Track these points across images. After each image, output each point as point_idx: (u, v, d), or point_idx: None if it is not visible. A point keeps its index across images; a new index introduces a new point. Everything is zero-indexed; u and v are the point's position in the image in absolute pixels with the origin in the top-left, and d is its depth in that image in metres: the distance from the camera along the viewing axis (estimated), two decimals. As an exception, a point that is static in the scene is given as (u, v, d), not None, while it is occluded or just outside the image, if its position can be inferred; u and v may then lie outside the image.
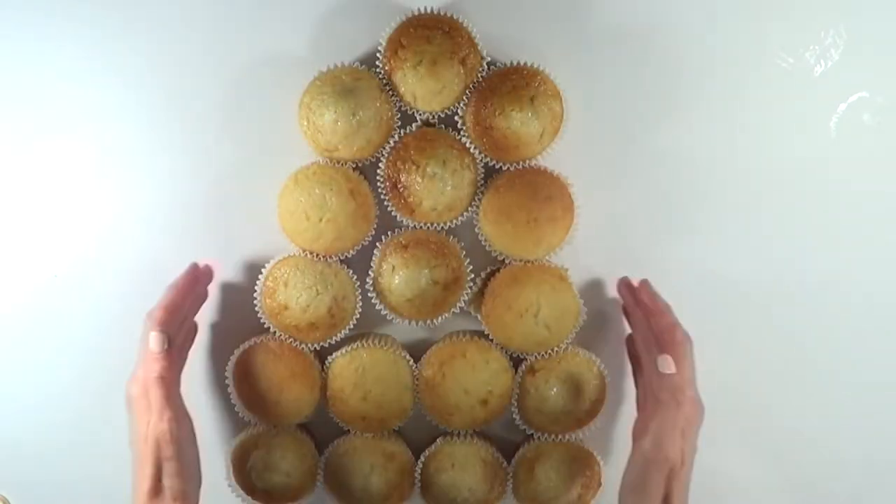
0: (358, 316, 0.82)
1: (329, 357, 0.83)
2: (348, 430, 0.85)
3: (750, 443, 0.87)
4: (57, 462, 0.83)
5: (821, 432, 0.90)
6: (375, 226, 0.80)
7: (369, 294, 0.81)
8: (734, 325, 0.87)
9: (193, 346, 0.84)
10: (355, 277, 0.81)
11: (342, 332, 0.81)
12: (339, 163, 0.78)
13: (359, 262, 0.81)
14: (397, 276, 0.79)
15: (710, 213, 0.84)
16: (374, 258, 0.81)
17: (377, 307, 0.82)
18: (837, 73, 0.81)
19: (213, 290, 0.85)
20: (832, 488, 0.92)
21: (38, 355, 0.87)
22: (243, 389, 0.82)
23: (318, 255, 0.80)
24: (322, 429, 0.87)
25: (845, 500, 0.92)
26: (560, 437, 0.85)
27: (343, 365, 0.82)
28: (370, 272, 0.81)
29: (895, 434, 0.90)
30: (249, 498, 0.84)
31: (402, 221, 0.80)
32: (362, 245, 0.80)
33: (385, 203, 0.79)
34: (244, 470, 0.83)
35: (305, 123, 0.76)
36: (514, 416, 0.84)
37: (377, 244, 0.81)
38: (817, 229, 0.85)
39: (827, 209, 0.85)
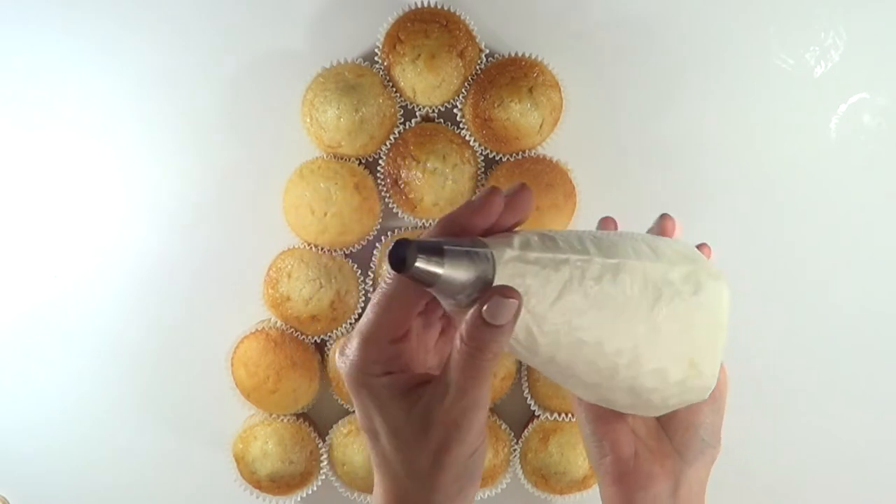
0: (360, 311, 0.79)
1: (329, 340, 0.81)
2: (352, 411, 0.82)
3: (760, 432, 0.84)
4: (56, 462, 0.82)
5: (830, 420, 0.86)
6: (380, 220, 0.79)
7: (370, 294, 0.79)
8: (730, 317, 0.84)
9: (191, 336, 0.83)
10: (359, 272, 0.79)
11: (343, 325, 0.79)
12: (343, 159, 0.77)
13: (363, 257, 0.79)
14: (397, 277, 0.77)
15: (709, 204, 0.82)
16: (374, 258, 0.79)
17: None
18: (837, 74, 0.79)
19: (215, 282, 0.83)
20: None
21: (37, 356, 0.85)
22: (242, 377, 0.80)
23: (322, 248, 0.78)
24: (322, 417, 0.85)
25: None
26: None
27: (344, 346, 0.80)
28: (370, 271, 0.79)
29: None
30: (257, 490, 0.82)
31: (404, 217, 0.78)
32: (367, 240, 0.79)
33: (387, 200, 0.78)
34: (248, 462, 0.81)
35: (308, 120, 0.75)
36: (531, 407, 0.82)
37: (381, 239, 0.79)
38: (816, 230, 0.82)
39: (826, 210, 0.82)
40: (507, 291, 0.39)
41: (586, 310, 0.42)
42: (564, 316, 0.42)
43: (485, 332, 0.39)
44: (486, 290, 0.39)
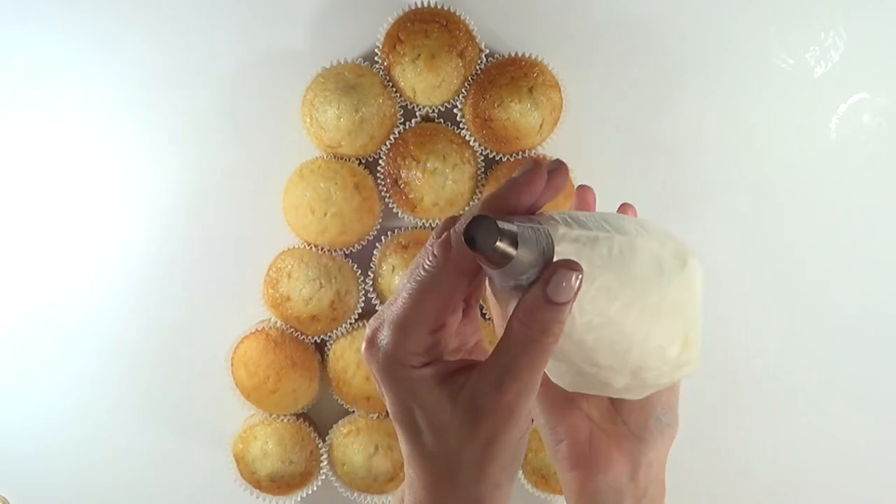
0: (360, 311, 0.79)
1: (329, 340, 0.81)
2: (353, 411, 0.82)
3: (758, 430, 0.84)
4: (56, 462, 0.82)
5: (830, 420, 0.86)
6: (380, 220, 0.78)
7: (370, 294, 0.79)
8: (730, 317, 0.83)
9: (191, 336, 0.82)
10: (359, 272, 0.79)
11: (343, 325, 0.79)
12: (343, 159, 0.76)
13: (363, 257, 0.79)
14: (397, 276, 0.77)
15: (709, 204, 0.81)
16: (374, 258, 0.79)
17: (378, 309, 0.79)
18: (837, 74, 0.78)
19: (215, 282, 0.83)
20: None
21: (37, 356, 0.85)
22: (242, 377, 0.79)
23: (322, 248, 0.78)
24: (322, 417, 0.84)
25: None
26: None
27: (344, 346, 0.79)
28: (370, 271, 0.79)
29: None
30: (257, 490, 0.82)
31: (404, 217, 0.78)
32: (367, 240, 0.78)
33: (387, 200, 0.78)
34: (248, 463, 0.81)
35: (308, 120, 0.75)
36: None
37: (381, 238, 0.79)
38: (816, 230, 0.82)
39: (826, 210, 0.81)
40: (572, 264, 0.37)
41: (616, 287, 0.41)
42: (600, 292, 0.41)
43: (548, 312, 0.37)
44: (546, 270, 0.37)
